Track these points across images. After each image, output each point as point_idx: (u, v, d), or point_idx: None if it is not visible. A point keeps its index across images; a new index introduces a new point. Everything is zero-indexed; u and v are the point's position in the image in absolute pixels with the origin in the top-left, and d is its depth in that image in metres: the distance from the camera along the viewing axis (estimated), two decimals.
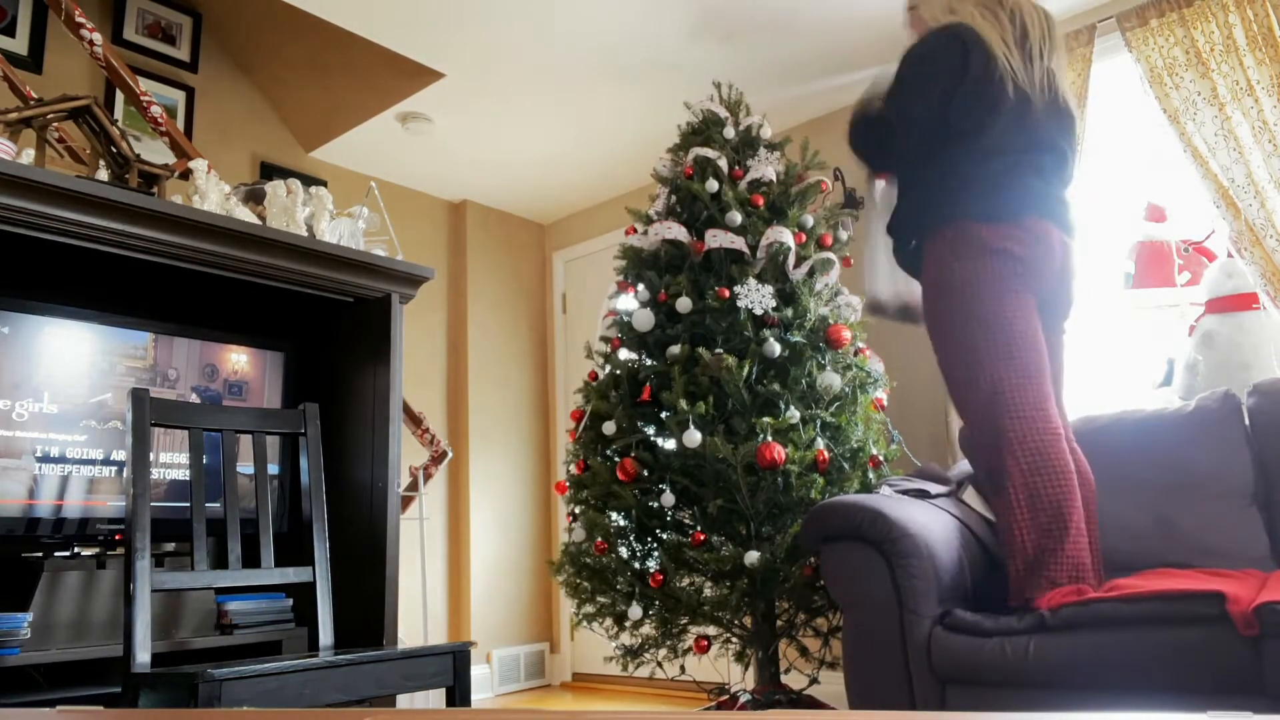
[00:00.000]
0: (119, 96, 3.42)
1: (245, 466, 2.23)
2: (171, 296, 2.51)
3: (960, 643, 2.05)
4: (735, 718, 2.52)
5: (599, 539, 2.73)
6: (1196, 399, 2.46)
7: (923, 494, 2.53)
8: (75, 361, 2.19)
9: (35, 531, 2.10)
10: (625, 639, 2.80)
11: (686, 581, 2.66)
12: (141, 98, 2.92)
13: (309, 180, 3.95)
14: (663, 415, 2.73)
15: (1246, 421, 2.37)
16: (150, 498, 1.90)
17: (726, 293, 2.66)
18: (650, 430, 2.70)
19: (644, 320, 2.74)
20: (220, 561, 2.01)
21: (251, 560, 2.04)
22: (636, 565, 2.72)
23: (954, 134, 2.17)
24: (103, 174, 2.19)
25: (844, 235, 3.02)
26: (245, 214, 2.34)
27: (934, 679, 2.10)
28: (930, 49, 2.20)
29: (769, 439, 2.47)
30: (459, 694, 1.96)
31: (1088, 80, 3.07)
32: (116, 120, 2.29)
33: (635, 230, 3.02)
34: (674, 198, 2.96)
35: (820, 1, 3.14)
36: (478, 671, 4.22)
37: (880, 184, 2.56)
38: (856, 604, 2.21)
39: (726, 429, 2.58)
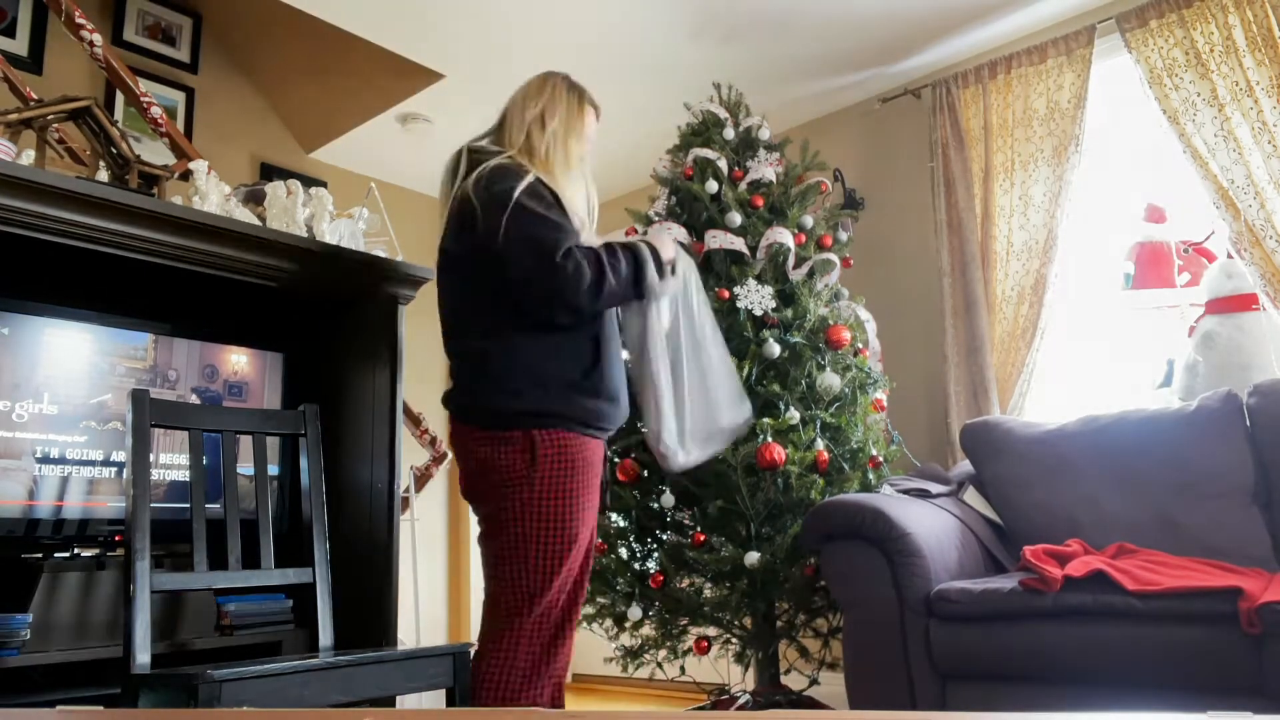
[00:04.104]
0: (119, 97, 3.41)
1: (245, 467, 2.23)
2: (171, 297, 2.50)
3: (960, 632, 2.05)
4: (736, 718, 2.51)
5: (599, 540, 2.73)
6: (1198, 399, 2.46)
7: (923, 494, 2.53)
8: (75, 362, 2.19)
9: (35, 532, 2.09)
10: (625, 640, 2.79)
11: (686, 582, 2.66)
12: (141, 99, 2.91)
13: (309, 181, 3.94)
14: None
15: (1248, 422, 2.38)
16: (150, 499, 1.90)
17: (726, 293, 2.66)
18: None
19: None
20: (220, 562, 2.01)
21: (251, 561, 2.04)
22: (636, 566, 2.71)
23: None
24: (103, 175, 2.19)
25: (844, 236, 3.02)
26: (245, 215, 2.34)
27: (935, 676, 2.10)
28: None
29: (769, 440, 2.47)
30: (459, 694, 1.96)
31: (1087, 81, 3.07)
32: (116, 121, 2.29)
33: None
34: (674, 198, 2.96)
35: (820, 1, 3.14)
36: None
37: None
38: (857, 603, 2.21)
39: None
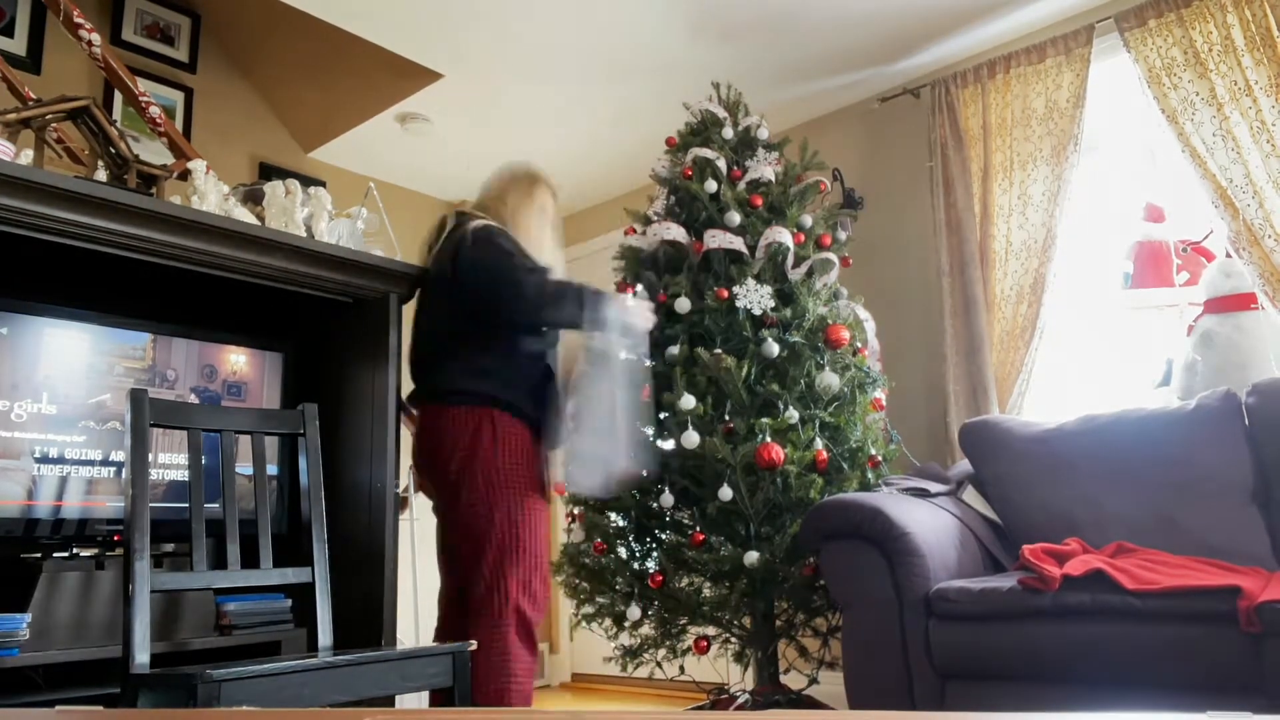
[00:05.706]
0: (118, 97, 3.41)
1: (244, 467, 2.23)
2: (170, 297, 2.50)
3: (959, 632, 2.05)
4: (735, 718, 2.52)
5: (598, 539, 2.73)
6: (1197, 398, 2.47)
7: (923, 493, 2.53)
8: (74, 362, 2.19)
9: (34, 532, 2.09)
10: (624, 639, 2.79)
11: (686, 582, 2.66)
12: (140, 98, 2.91)
13: (308, 181, 3.93)
14: (662, 416, 2.73)
15: (1246, 421, 2.38)
16: (149, 498, 1.90)
17: (725, 293, 2.66)
18: (649, 431, 2.70)
19: None
20: (219, 562, 2.01)
21: (250, 561, 2.03)
22: (635, 566, 2.72)
23: None
24: (101, 175, 2.18)
25: (842, 235, 3.02)
26: (244, 215, 2.34)
27: (934, 675, 2.10)
28: None
29: (768, 439, 2.47)
30: (459, 694, 1.96)
31: (1085, 81, 3.07)
32: (115, 121, 2.29)
33: (635, 231, 3.02)
34: (673, 198, 2.96)
35: (820, 1, 3.14)
36: None
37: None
38: (856, 603, 2.22)
39: (726, 429, 2.58)
